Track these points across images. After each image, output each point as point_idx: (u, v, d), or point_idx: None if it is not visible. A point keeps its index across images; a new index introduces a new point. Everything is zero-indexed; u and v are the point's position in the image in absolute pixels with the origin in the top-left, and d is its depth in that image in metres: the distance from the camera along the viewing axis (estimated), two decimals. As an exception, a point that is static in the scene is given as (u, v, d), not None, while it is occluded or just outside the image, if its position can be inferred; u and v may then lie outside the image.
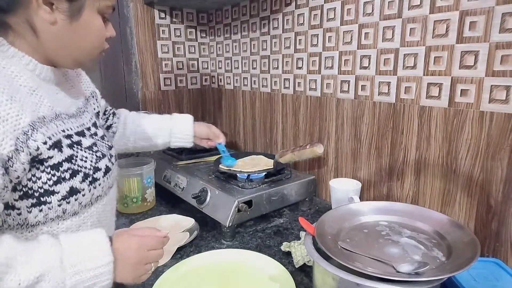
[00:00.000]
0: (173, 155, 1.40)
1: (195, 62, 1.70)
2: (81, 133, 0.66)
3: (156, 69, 1.58)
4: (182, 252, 0.89)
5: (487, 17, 0.76)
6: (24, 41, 0.59)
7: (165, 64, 1.60)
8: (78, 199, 0.61)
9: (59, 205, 0.59)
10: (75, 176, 0.61)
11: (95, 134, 0.72)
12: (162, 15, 1.55)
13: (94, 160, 0.65)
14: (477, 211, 0.83)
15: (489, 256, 0.82)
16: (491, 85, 0.77)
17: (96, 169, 0.65)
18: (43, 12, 0.57)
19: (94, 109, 0.82)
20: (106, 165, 0.68)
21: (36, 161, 0.56)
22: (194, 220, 1.03)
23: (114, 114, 0.98)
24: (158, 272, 0.79)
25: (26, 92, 0.57)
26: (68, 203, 0.60)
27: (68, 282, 0.51)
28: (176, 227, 1.00)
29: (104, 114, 0.94)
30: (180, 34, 1.62)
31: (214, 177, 1.12)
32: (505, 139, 0.76)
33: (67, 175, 0.60)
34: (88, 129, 0.70)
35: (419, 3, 0.88)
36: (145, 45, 1.53)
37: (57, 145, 0.58)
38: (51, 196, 0.58)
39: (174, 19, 1.59)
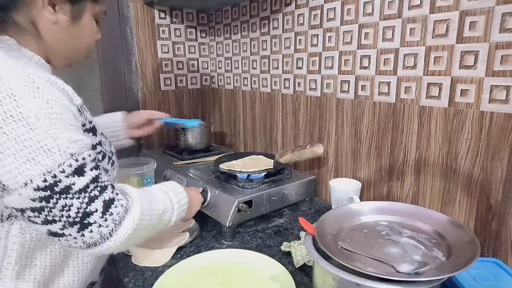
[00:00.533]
0: (173, 155, 1.41)
1: (195, 62, 1.70)
2: (93, 123, 0.72)
3: (156, 69, 1.58)
4: (182, 252, 0.89)
5: (487, 17, 0.76)
6: (30, 40, 0.62)
7: (165, 64, 1.60)
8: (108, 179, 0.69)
9: None
10: (104, 158, 0.68)
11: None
12: (162, 15, 1.55)
13: (109, 144, 0.73)
14: (477, 211, 0.83)
15: (489, 256, 0.82)
16: (491, 85, 0.77)
17: (112, 153, 0.73)
18: (47, 13, 0.60)
19: None
20: (113, 149, 0.75)
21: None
22: (194, 220, 1.03)
23: None
24: (158, 272, 0.80)
25: (61, 83, 0.61)
26: None
27: (174, 213, 0.73)
28: (176, 227, 1.00)
29: None
30: (180, 34, 1.62)
31: (214, 177, 1.12)
32: (505, 139, 0.76)
33: (100, 157, 0.67)
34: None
35: (419, 3, 0.88)
36: (145, 45, 1.53)
37: (93, 130, 0.66)
38: None
39: (174, 19, 1.59)
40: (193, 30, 1.66)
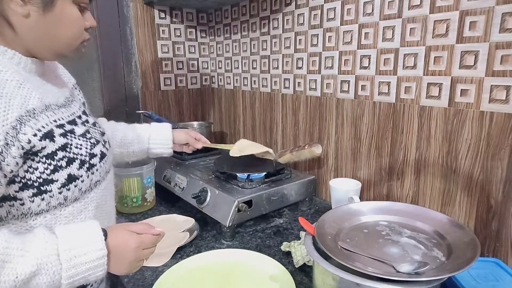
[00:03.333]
0: (173, 155, 1.40)
1: (195, 62, 1.70)
2: (72, 122, 0.67)
3: (156, 69, 1.58)
4: (182, 252, 0.89)
5: (487, 17, 0.76)
6: (3, 35, 0.59)
7: (165, 64, 1.60)
8: (78, 185, 0.63)
9: (60, 193, 0.61)
10: (72, 164, 0.62)
11: (87, 121, 0.73)
12: (162, 15, 1.55)
13: (89, 147, 0.66)
14: (477, 211, 0.83)
15: (489, 256, 0.82)
16: (491, 85, 0.77)
17: (92, 155, 0.66)
18: (15, 5, 0.57)
19: (80, 99, 0.81)
20: (101, 150, 0.69)
21: (30, 154, 0.57)
22: (194, 220, 1.03)
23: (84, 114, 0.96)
24: (158, 272, 0.80)
25: (13, 85, 0.57)
26: (68, 190, 0.62)
27: (64, 275, 0.54)
28: (176, 227, 1.00)
29: None
30: (180, 34, 1.62)
31: (214, 177, 1.12)
32: (505, 139, 0.76)
33: (64, 163, 0.61)
34: (79, 117, 0.71)
35: (419, 3, 0.88)
36: (145, 45, 1.53)
37: (48, 136, 0.59)
38: (51, 184, 0.60)
39: (174, 19, 1.59)
40: (193, 30, 1.66)
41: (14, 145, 0.53)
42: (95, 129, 0.73)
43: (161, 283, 0.75)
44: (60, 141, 0.61)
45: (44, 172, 0.59)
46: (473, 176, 0.83)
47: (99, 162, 0.68)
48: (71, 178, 0.62)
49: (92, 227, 0.60)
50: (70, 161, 0.62)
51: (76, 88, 0.83)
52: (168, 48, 1.60)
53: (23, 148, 0.55)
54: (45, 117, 0.60)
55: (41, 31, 0.60)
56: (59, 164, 0.60)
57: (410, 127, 0.94)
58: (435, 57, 0.86)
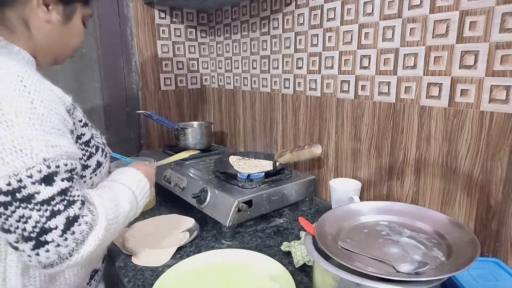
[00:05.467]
0: (173, 155, 1.40)
1: (195, 62, 1.70)
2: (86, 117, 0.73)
3: (156, 69, 1.58)
4: (182, 252, 0.89)
5: (487, 17, 0.76)
6: (19, 38, 0.62)
7: (165, 64, 1.60)
8: (101, 171, 0.71)
9: (90, 178, 0.68)
10: (98, 151, 0.69)
11: None
12: (162, 15, 1.55)
13: (100, 137, 0.74)
14: (477, 211, 0.83)
15: (489, 256, 0.82)
16: (491, 85, 0.77)
17: (104, 145, 0.74)
18: (41, 11, 0.61)
19: None
20: (104, 140, 0.77)
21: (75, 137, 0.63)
22: (194, 220, 1.03)
23: None
24: (158, 272, 0.80)
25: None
26: (95, 175, 0.69)
27: (139, 205, 0.71)
28: (176, 227, 1.00)
29: None
30: (180, 34, 1.62)
31: (214, 177, 1.12)
32: (505, 139, 0.76)
33: (94, 150, 0.68)
34: None
35: (419, 3, 0.88)
36: (145, 45, 1.53)
37: (86, 124, 0.67)
38: (86, 170, 0.66)
39: (174, 19, 1.59)
40: (193, 30, 1.66)
41: (72, 115, 0.61)
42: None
43: (161, 283, 0.75)
44: (91, 130, 0.69)
45: (82, 157, 0.65)
46: (473, 176, 0.83)
47: (106, 150, 0.75)
48: (98, 164, 0.69)
49: (133, 171, 0.74)
50: (97, 149, 0.69)
51: None
52: (168, 48, 1.60)
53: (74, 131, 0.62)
54: (79, 108, 0.66)
55: (56, 38, 0.66)
56: (92, 150, 0.67)
57: (410, 127, 0.94)
58: (435, 57, 0.86)
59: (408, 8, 0.90)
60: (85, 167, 0.66)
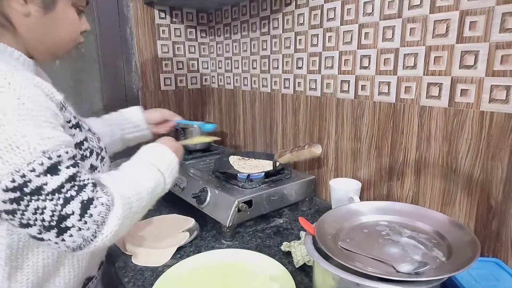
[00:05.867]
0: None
1: (195, 62, 1.70)
2: (78, 118, 0.70)
3: (156, 69, 1.58)
4: (182, 252, 0.89)
5: (487, 17, 0.76)
6: (8, 35, 0.60)
7: (165, 64, 1.60)
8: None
9: None
10: (92, 154, 0.67)
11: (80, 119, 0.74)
12: (162, 15, 1.55)
13: (97, 141, 0.71)
14: (477, 211, 0.83)
15: (489, 256, 0.82)
16: (491, 85, 0.77)
17: (101, 149, 0.71)
18: (16, 4, 0.58)
19: None
20: (104, 145, 0.74)
21: None
22: (194, 220, 1.03)
23: None
24: (158, 272, 0.80)
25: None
26: None
27: (167, 181, 0.71)
28: (176, 227, 1.00)
29: None
30: (180, 34, 1.62)
31: (214, 177, 1.12)
32: (505, 139, 0.76)
33: (88, 153, 0.65)
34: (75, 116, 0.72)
35: (419, 3, 0.87)
36: (145, 45, 1.53)
37: (78, 125, 0.64)
38: None
39: (174, 19, 1.59)
40: (193, 30, 1.66)
41: (66, 111, 0.60)
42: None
43: (161, 283, 0.75)
44: (84, 132, 0.66)
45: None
46: (473, 176, 0.83)
47: (106, 155, 0.73)
48: (92, 168, 0.66)
49: (159, 146, 0.74)
50: (91, 152, 0.66)
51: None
52: (168, 48, 1.60)
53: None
54: (70, 109, 0.64)
55: (40, 31, 0.62)
56: (85, 154, 0.65)
57: (410, 127, 0.94)
58: (435, 57, 0.86)
59: (408, 8, 0.90)
60: None
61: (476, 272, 0.70)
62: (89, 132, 0.70)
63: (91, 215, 0.53)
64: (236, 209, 0.93)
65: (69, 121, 0.62)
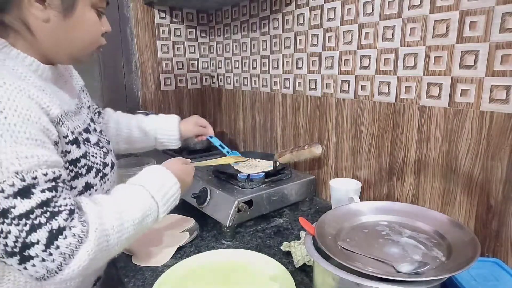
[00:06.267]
0: (172, 155, 1.40)
1: (195, 62, 1.70)
2: (87, 130, 0.67)
3: (156, 69, 1.58)
4: (182, 252, 0.89)
5: (487, 17, 0.76)
6: (23, 41, 0.59)
7: (165, 64, 1.60)
8: (92, 194, 0.63)
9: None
10: (90, 172, 0.63)
11: (95, 129, 0.73)
12: (162, 15, 1.55)
13: (102, 156, 0.67)
14: (477, 211, 0.83)
15: (489, 256, 0.82)
16: (491, 85, 0.77)
17: (105, 165, 0.67)
18: (35, 10, 0.56)
19: (86, 103, 0.81)
20: (111, 160, 0.70)
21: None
22: (194, 220, 1.03)
23: (99, 113, 0.95)
24: (158, 272, 0.79)
25: (38, 90, 0.57)
26: None
27: (161, 210, 0.65)
28: (176, 227, 1.00)
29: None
30: (180, 34, 1.62)
31: (214, 177, 1.12)
32: (505, 139, 0.76)
33: (84, 171, 0.62)
34: (89, 125, 0.71)
35: (419, 3, 0.88)
36: (145, 45, 1.53)
37: (76, 141, 0.61)
38: (70, 191, 0.59)
39: (174, 19, 1.59)
40: (193, 30, 1.66)
41: (62, 126, 0.58)
42: (103, 137, 0.74)
43: (161, 283, 0.75)
44: (83, 148, 0.62)
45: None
46: (473, 176, 0.83)
47: (110, 172, 0.69)
48: (88, 186, 0.63)
49: (159, 170, 0.69)
50: (88, 169, 0.63)
51: (83, 91, 0.82)
52: (168, 48, 1.60)
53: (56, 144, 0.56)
54: (68, 124, 0.61)
55: (60, 35, 0.60)
56: (80, 171, 0.61)
57: (410, 127, 0.94)
58: (435, 57, 0.86)
59: (408, 8, 0.90)
60: (69, 187, 0.59)
61: (476, 272, 0.70)
62: (94, 146, 0.66)
63: (58, 247, 0.49)
64: (236, 209, 0.93)
65: (65, 136, 0.58)
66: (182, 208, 1.13)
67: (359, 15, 1.02)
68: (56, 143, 0.55)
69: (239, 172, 1.10)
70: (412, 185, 0.96)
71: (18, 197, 0.48)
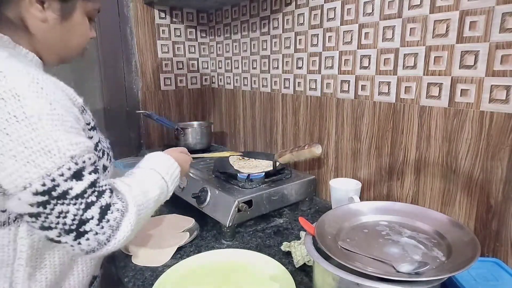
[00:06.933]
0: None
1: (195, 62, 1.70)
2: (95, 120, 0.72)
3: (156, 69, 1.58)
4: (182, 252, 0.89)
5: (487, 17, 0.76)
6: (23, 37, 0.61)
7: (165, 64, 1.60)
8: (107, 176, 0.68)
9: None
10: (104, 155, 0.68)
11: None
12: (162, 15, 1.55)
13: (105, 140, 0.72)
14: (477, 211, 0.83)
15: (489, 256, 0.82)
16: (491, 85, 0.77)
17: (109, 149, 0.73)
18: (35, 10, 0.59)
19: None
20: (109, 145, 0.74)
21: None
22: (194, 220, 1.03)
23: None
24: (158, 272, 0.80)
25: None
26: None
27: (169, 189, 0.72)
28: (176, 227, 1.00)
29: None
30: (180, 34, 1.62)
31: (214, 177, 1.12)
32: (505, 139, 0.76)
33: (101, 154, 0.67)
34: None
35: (419, 3, 0.88)
36: (145, 45, 1.53)
37: (95, 127, 0.66)
38: None
39: (174, 19, 1.59)
40: (193, 30, 1.66)
41: (85, 115, 0.62)
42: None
43: (161, 283, 0.75)
44: (98, 134, 0.68)
45: None
46: (473, 176, 0.83)
47: (111, 155, 0.74)
48: (104, 168, 0.68)
49: (164, 156, 0.75)
50: (103, 153, 0.68)
51: None
52: (168, 48, 1.60)
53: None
54: (88, 111, 0.66)
55: (54, 37, 0.63)
56: (99, 154, 0.66)
57: (410, 127, 0.94)
58: (435, 57, 0.86)
59: (408, 8, 0.90)
60: None
61: (476, 272, 0.70)
62: (100, 133, 0.72)
63: (108, 220, 0.55)
64: (236, 209, 0.93)
65: (88, 123, 0.63)
66: (182, 208, 1.13)
67: (359, 15, 1.02)
68: (83, 130, 0.60)
69: (239, 172, 1.10)
70: (412, 185, 0.96)
71: (74, 179, 0.53)
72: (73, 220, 0.53)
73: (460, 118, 0.83)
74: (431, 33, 0.86)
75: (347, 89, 1.10)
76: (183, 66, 1.66)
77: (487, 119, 0.78)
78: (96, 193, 0.55)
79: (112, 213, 0.56)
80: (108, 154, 0.71)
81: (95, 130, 0.66)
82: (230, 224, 0.92)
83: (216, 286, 0.75)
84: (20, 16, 0.59)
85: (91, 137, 0.64)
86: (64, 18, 0.62)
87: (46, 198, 0.51)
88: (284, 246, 0.87)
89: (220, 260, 0.83)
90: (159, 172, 0.71)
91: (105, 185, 0.57)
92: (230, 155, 1.12)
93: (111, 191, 0.58)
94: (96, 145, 0.65)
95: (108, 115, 1.53)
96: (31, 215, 0.52)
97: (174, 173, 0.74)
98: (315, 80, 1.20)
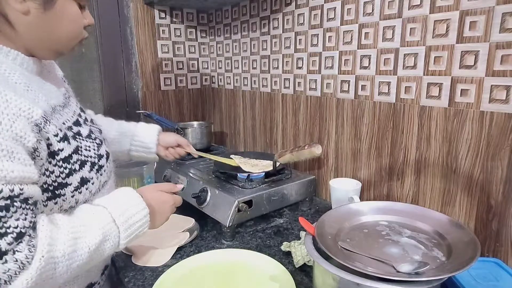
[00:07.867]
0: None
1: (195, 62, 1.70)
2: (77, 123, 0.66)
3: (156, 69, 1.58)
4: (182, 252, 0.89)
5: (487, 17, 0.76)
6: (4, 35, 0.58)
7: (165, 64, 1.60)
8: (89, 188, 0.63)
9: (72, 196, 0.61)
10: (84, 166, 0.62)
11: (86, 120, 0.71)
12: (162, 15, 1.55)
13: (95, 148, 0.66)
14: (477, 211, 0.83)
15: (489, 256, 0.82)
16: (491, 85, 0.77)
17: (100, 156, 0.67)
18: (14, 2, 0.55)
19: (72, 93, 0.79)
20: (106, 150, 0.69)
21: (48, 154, 0.56)
22: (194, 220, 1.03)
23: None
24: (158, 272, 0.80)
25: (22, 89, 0.56)
26: (80, 193, 0.62)
27: (122, 236, 0.61)
28: (176, 227, 1.00)
29: None
30: (180, 34, 1.62)
31: (214, 177, 1.12)
32: (505, 139, 0.76)
33: (77, 167, 0.61)
34: (80, 115, 0.70)
35: (419, 3, 0.88)
36: (145, 45, 1.53)
37: (66, 138, 0.60)
38: (65, 188, 0.60)
39: (174, 19, 1.59)
40: (193, 30, 1.66)
41: (42, 141, 0.54)
42: (95, 127, 0.73)
43: (161, 283, 0.75)
44: (73, 144, 0.61)
45: (59, 175, 0.59)
46: (473, 176, 0.83)
47: (106, 162, 0.68)
48: (83, 181, 0.62)
49: (128, 192, 0.65)
50: (82, 164, 0.62)
51: (65, 81, 0.79)
52: (168, 48, 1.60)
53: (47, 148, 0.56)
54: (55, 120, 0.59)
55: (41, 28, 0.59)
56: (73, 167, 0.60)
57: (410, 127, 0.94)
58: (435, 57, 0.86)
59: (408, 8, 0.90)
60: (63, 185, 0.59)
61: (476, 272, 0.70)
62: (86, 139, 0.65)
63: None
64: (236, 209, 0.93)
65: (56, 135, 0.57)
66: (182, 208, 1.13)
67: (359, 15, 1.02)
68: (35, 150, 0.53)
69: (240, 171, 1.10)
70: (412, 185, 0.96)
71: None
72: None
73: (460, 118, 0.83)
74: (431, 33, 0.86)
75: (347, 89, 1.10)
76: (183, 66, 1.66)
77: (487, 119, 0.78)
78: None
79: (4, 263, 0.46)
80: (94, 164, 0.64)
81: (66, 141, 0.59)
82: (230, 224, 0.92)
83: (216, 286, 0.75)
84: (1, 11, 0.55)
85: (61, 150, 0.58)
86: (46, 6, 0.57)
87: None
88: (284, 246, 0.87)
89: (220, 260, 0.83)
90: (110, 212, 0.60)
91: (13, 227, 0.48)
92: (237, 163, 1.12)
93: (20, 236, 0.48)
94: (69, 157, 0.60)
95: (108, 115, 1.52)
96: None
97: (135, 217, 0.63)
98: (315, 80, 1.20)
